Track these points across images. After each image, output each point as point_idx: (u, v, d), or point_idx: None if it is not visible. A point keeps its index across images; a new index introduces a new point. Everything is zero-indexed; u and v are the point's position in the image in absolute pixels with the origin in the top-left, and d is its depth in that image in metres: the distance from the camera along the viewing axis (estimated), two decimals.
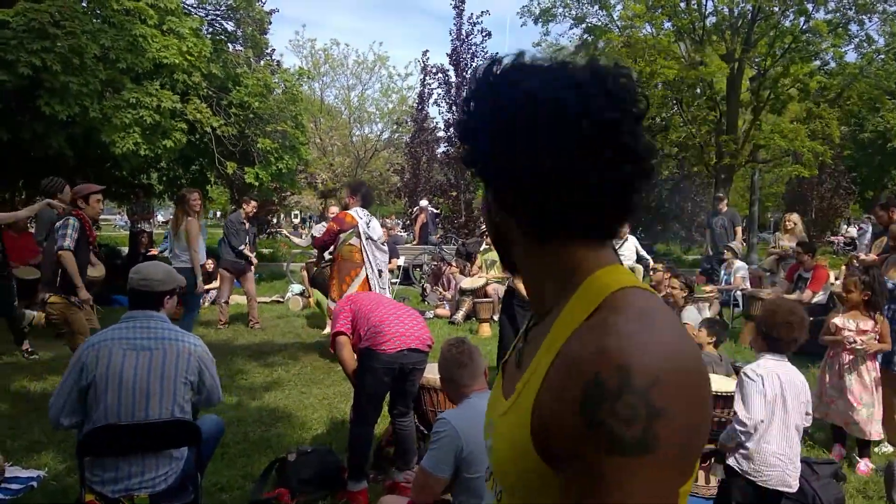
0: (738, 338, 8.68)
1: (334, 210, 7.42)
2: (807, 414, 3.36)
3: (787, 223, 9.97)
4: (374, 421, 4.10)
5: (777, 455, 3.21)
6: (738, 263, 10.13)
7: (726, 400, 4.10)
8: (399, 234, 19.45)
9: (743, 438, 3.23)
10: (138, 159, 10.71)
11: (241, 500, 3.90)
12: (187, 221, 7.67)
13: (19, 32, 8.40)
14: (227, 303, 9.68)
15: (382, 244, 7.49)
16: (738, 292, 9.74)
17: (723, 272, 10.33)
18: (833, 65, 18.28)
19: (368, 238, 7.18)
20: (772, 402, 3.24)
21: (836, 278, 8.63)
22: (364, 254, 7.17)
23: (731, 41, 17.83)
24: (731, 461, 3.31)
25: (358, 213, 7.25)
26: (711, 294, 9.55)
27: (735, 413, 3.27)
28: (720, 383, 4.28)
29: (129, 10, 10.34)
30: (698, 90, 19.08)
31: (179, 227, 7.68)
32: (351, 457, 4.01)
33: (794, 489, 3.26)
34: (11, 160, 10.07)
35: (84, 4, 10.27)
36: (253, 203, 10.04)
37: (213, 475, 4.13)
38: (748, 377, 3.29)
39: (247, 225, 9.70)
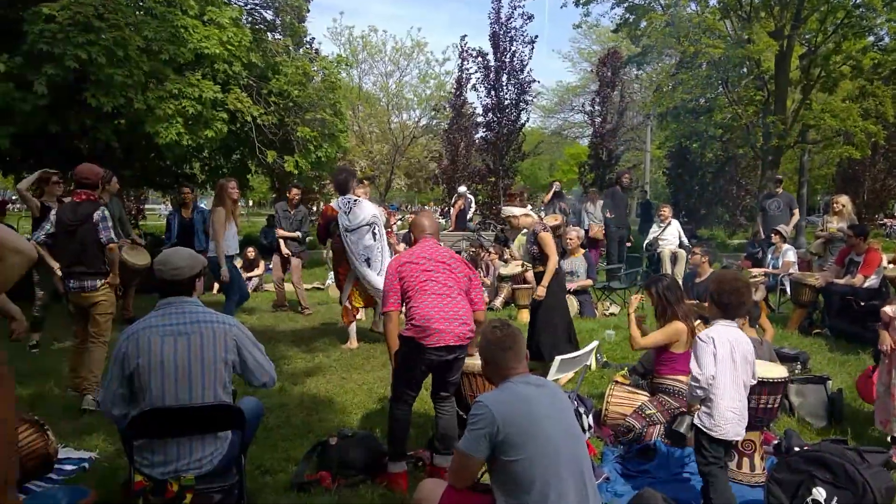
0: (786, 324, 8.52)
1: (359, 193, 7.56)
2: (753, 375, 3.75)
3: (835, 205, 9.73)
4: (411, 402, 4.14)
5: (731, 409, 3.56)
6: (787, 247, 9.94)
7: (772, 386, 4.06)
8: (437, 220, 19.47)
9: (699, 393, 3.59)
10: (181, 149, 10.92)
11: (283, 483, 3.98)
12: (215, 211, 7.78)
13: (65, 26, 8.61)
14: (283, 282, 10.27)
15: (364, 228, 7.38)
16: (786, 277, 9.56)
17: (770, 256, 10.15)
18: (888, 40, 17.69)
19: (346, 229, 7.26)
20: (723, 362, 3.61)
21: (890, 262, 8.42)
22: (345, 245, 7.27)
23: (780, 17, 17.33)
24: (696, 420, 3.63)
25: (339, 204, 7.35)
26: (757, 279, 9.39)
27: (691, 372, 3.64)
28: (765, 369, 4.20)
29: (171, 2, 10.53)
30: (745, 69, 18.64)
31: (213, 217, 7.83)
32: (389, 437, 4.09)
33: (742, 437, 3.69)
34: (61, 152, 10.35)
35: None
36: (295, 190, 10.36)
37: (256, 458, 4.23)
38: (701, 340, 3.68)
39: (292, 211, 9.97)
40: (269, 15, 14.77)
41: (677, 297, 4.84)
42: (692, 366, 3.69)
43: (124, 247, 7.86)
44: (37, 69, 8.73)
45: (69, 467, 4.21)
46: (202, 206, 10.70)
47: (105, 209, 5.40)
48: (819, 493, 3.38)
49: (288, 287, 10.43)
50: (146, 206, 27.47)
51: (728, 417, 3.56)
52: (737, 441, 3.79)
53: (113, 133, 9.96)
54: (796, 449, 4.06)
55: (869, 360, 6.33)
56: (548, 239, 6.27)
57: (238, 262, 12.14)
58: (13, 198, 23.42)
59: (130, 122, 9.93)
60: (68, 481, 4.01)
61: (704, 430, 3.58)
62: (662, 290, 4.85)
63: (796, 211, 11.68)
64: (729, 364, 3.64)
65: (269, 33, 14.30)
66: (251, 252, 12.28)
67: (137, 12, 10.08)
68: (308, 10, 15.55)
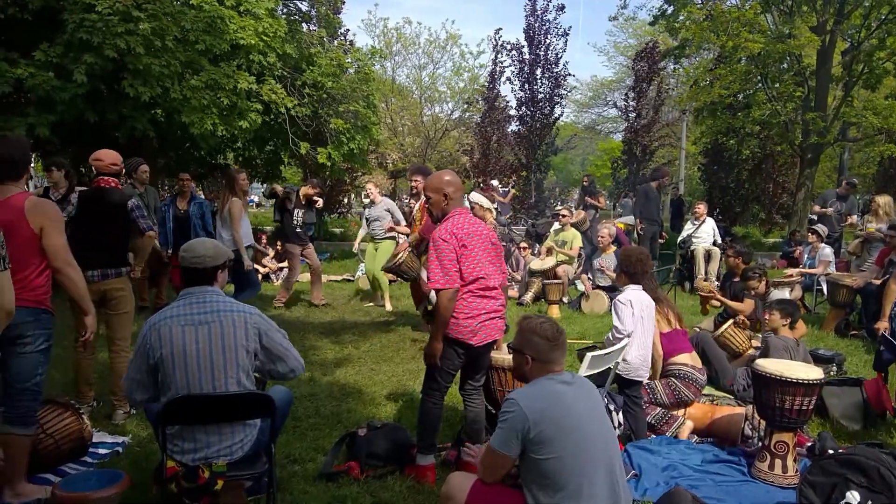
0: (822, 325, 8.39)
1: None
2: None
3: (874, 205, 9.57)
4: (444, 394, 4.13)
5: (640, 357, 4.58)
6: (824, 247, 9.78)
7: (807, 388, 4.01)
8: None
9: (621, 344, 4.48)
10: (215, 139, 11.05)
11: (312, 472, 4.02)
12: (231, 202, 7.83)
13: (104, 16, 8.74)
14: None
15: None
16: (823, 277, 9.41)
17: (806, 256, 9.99)
18: None
19: None
20: (637, 320, 4.59)
21: None
22: None
23: (822, 12, 16.96)
24: (618, 370, 4.48)
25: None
26: (793, 279, 9.26)
27: (614, 327, 4.54)
28: (799, 371, 4.16)
29: None
30: (785, 65, 18.32)
31: (224, 207, 7.87)
32: (419, 429, 4.09)
33: (646, 378, 4.73)
34: (99, 142, 10.50)
35: None
36: (308, 187, 9.96)
37: (285, 447, 4.28)
38: (621, 302, 4.66)
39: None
40: (304, 6, 14.88)
41: (638, 270, 4.84)
42: (615, 322, 4.63)
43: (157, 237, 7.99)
44: (76, 58, 8.88)
45: (103, 451, 4.30)
46: (201, 196, 9.76)
47: (137, 197, 5.30)
48: (853, 496, 3.35)
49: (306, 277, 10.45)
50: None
51: (638, 364, 4.57)
52: (770, 442, 4.10)
53: (149, 122, 10.09)
54: (830, 451, 4.00)
55: None
56: None
57: (270, 253, 12.31)
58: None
59: (166, 111, 10.05)
60: (102, 465, 4.10)
61: (623, 375, 4.55)
62: (623, 262, 4.93)
63: (852, 217, 11.49)
64: (639, 321, 4.61)
65: (304, 24, 14.39)
66: (280, 245, 12.39)
67: (175, 2, 10.19)
68: (343, 2, 15.65)
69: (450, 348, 3.93)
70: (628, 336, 4.48)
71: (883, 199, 9.55)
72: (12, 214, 3.42)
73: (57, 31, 9.22)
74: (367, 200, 9.62)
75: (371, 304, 9.75)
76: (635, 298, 4.65)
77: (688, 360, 4.97)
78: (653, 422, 4.81)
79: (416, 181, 7.54)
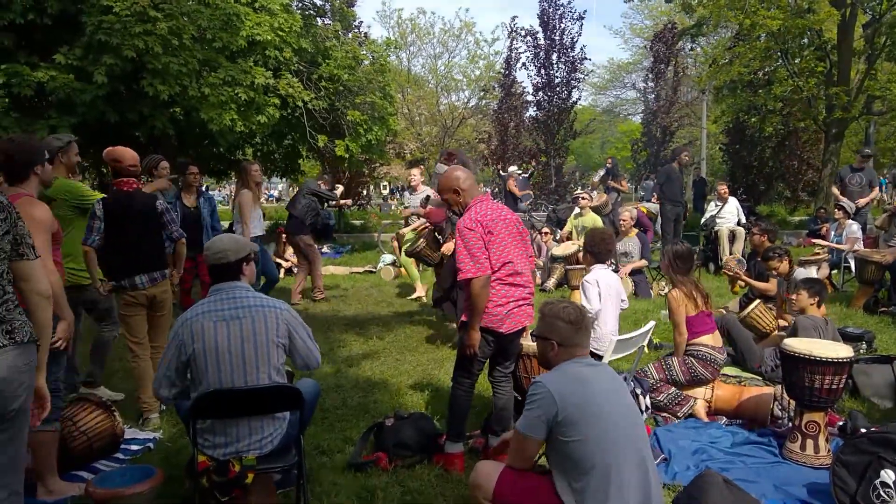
0: (851, 302, 8.28)
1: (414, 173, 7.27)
2: (622, 301, 5.22)
3: None
4: (474, 382, 4.13)
5: (611, 333, 4.89)
6: (851, 223, 9.63)
7: (836, 366, 3.96)
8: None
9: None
10: (234, 135, 11.09)
11: (341, 463, 4.04)
12: (241, 193, 7.81)
13: (122, 17, 8.79)
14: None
15: None
16: (851, 254, 9.27)
17: (833, 232, 9.85)
18: None
19: None
20: (605, 298, 4.99)
21: None
22: None
23: None
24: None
25: None
26: (819, 256, 9.14)
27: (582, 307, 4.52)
28: (828, 349, 4.11)
29: None
30: (805, 40, 18.03)
31: (236, 200, 7.87)
32: (449, 417, 4.10)
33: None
34: (120, 141, 10.58)
35: None
36: (321, 183, 9.93)
37: (313, 438, 4.31)
38: (588, 282, 5.07)
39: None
40: (318, 0, 14.85)
41: (681, 268, 5.04)
42: (583, 301, 4.98)
43: None
44: (96, 60, 8.95)
45: (135, 447, 4.35)
46: (211, 192, 9.23)
47: (163, 199, 5.21)
48: (888, 474, 3.30)
49: (333, 269, 10.40)
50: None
51: (610, 340, 4.72)
52: (800, 423, 4.11)
53: (168, 121, 10.15)
54: (862, 430, 3.95)
55: None
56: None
57: (291, 249, 12.36)
58: None
59: (185, 109, 10.10)
60: (135, 461, 4.14)
61: (593, 350, 4.59)
62: (672, 258, 5.10)
63: (876, 188, 11.32)
64: (607, 299, 5.01)
65: (318, 18, 14.39)
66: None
67: (191, 1, 10.22)
68: None
69: (488, 339, 3.94)
70: (596, 314, 4.90)
71: None
72: None
73: (76, 34, 9.29)
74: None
75: (415, 296, 9.54)
76: (601, 277, 5.09)
77: (709, 340, 4.93)
78: (665, 401, 4.78)
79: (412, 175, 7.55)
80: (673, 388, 4.83)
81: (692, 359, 4.88)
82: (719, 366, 4.94)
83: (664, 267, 5.21)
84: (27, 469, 3.60)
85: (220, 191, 34.08)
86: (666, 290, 9.67)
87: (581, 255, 9.74)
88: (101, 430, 4.03)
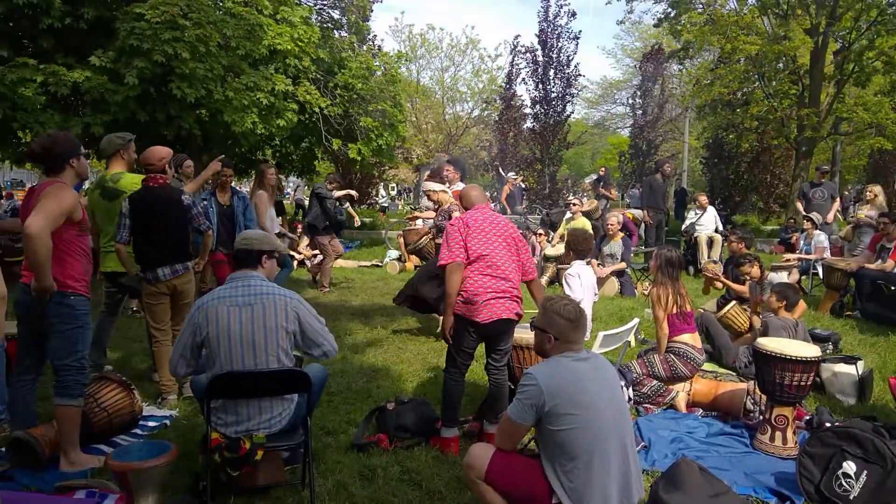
0: (819, 306, 8.22)
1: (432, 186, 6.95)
2: (595, 294, 6.01)
3: (868, 194, 9.43)
4: (464, 371, 4.08)
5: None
6: (819, 233, 9.59)
7: (805, 365, 3.91)
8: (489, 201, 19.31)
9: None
10: (255, 137, 11.05)
11: (345, 443, 3.99)
12: (257, 195, 7.73)
13: (153, 24, 8.73)
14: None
15: None
16: (819, 262, 9.23)
17: (803, 242, 9.80)
18: None
19: None
20: (584, 288, 5.61)
21: None
22: None
23: (815, 15, 16.66)
24: None
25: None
26: (790, 263, 9.10)
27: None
28: (799, 349, 4.06)
29: (248, 2, 10.60)
30: (781, 64, 17.99)
31: (253, 198, 7.77)
32: (443, 405, 4.05)
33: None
34: (149, 139, 10.54)
35: None
36: (328, 184, 9.81)
37: (319, 420, 4.25)
38: (571, 275, 5.75)
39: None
40: (336, 14, 14.85)
41: (669, 273, 4.95)
42: (567, 291, 5.56)
43: None
44: (127, 63, 8.89)
45: (152, 424, 4.30)
46: (242, 190, 9.11)
47: (189, 194, 5.02)
48: (849, 466, 3.31)
49: (342, 263, 10.33)
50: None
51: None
52: (770, 416, 4.06)
53: (195, 122, 10.10)
54: (827, 424, 3.92)
55: None
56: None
57: (304, 241, 12.32)
58: None
59: (210, 111, 10.06)
60: (152, 437, 4.08)
61: None
62: (664, 262, 4.98)
63: (837, 200, 11.30)
64: (586, 290, 5.63)
65: (335, 31, 14.36)
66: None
67: (218, 11, 10.17)
68: (372, 10, 15.55)
69: (461, 327, 3.92)
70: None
71: (877, 188, 9.46)
72: (35, 201, 3.41)
73: (110, 38, 9.23)
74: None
75: None
76: (582, 271, 5.81)
77: (689, 339, 4.86)
78: (648, 392, 4.73)
79: (448, 170, 7.37)
80: (655, 382, 4.77)
81: (673, 356, 4.80)
82: (698, 364, 4.87)
83: (653, 267, 5.12)
84: (51, 442, 3.56)
85: (240, 188, 34.02)
86: (649, 289, 9.64)
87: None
88: (120, 408, 3.97)
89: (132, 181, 4.84)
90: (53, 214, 3.32)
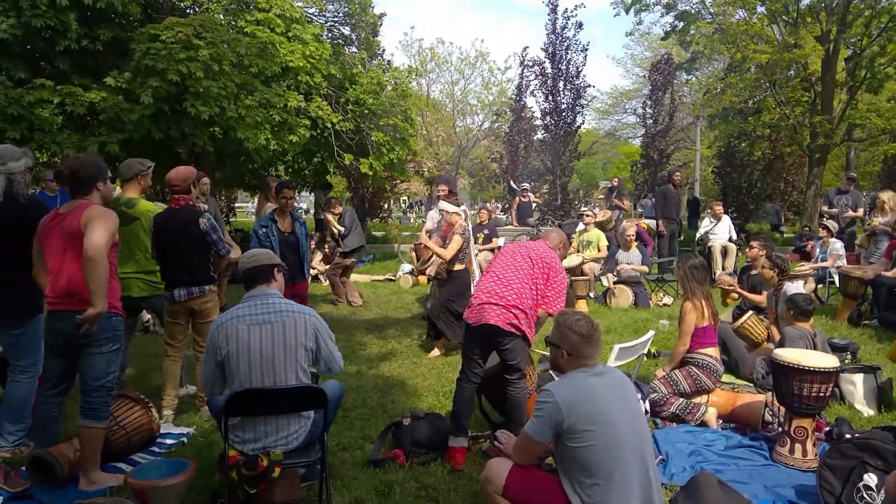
0: (835, 315, 8.14)
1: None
2: None
3: (880, 201, 9.35)
4: (474, 379, 4.07)
5: None
6: (834, 241, 9.51)
7: (823, 375, 3.87)
8: (499, 216, 19.35)
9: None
10: (268, 153, 11.13)
11: (360, 459, 3.98)
12: (265, 206, 7.76)
13: (168, 44, 8.83)
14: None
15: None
16: (834, 270, 9.15)
17: (818, 250, 9.73)
18: None
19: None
20: None
21: None
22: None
23: (826, 22, 16.58)
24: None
25: (463, 210, 6.94)
26: (805, 271, 9.02)
27: None
28: (815, 359, 4.02)
29: (260, 21, 10.71)
30: (792, 72, 17.91)
31: (260, 213, 7.81)
32: (452, 412, 4.07)
33: None
34: (163, 157, 10.65)
35: (221, 17, 10.71)
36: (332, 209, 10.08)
37: (335, 436, 4.25)
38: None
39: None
40: (346, 31, 14.97)
41: (697, 278, 4.85)
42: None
43: None
44: (143, 83, 8.99)
45: (170, 441, 4.31)
46: (302, 211, 8.25)
47: (210, 217, 4.84)
48: (871, 478, 3.26)
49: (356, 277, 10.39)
50: (236, 205, 28.11)
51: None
52: (790, 428, 4.00)
53: (209, 139, 10.19)
54: (847, 436, 3.87)
55: None
56: (455, 243, 6.44)
57: (318, 256, 12.36)
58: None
59: (224, 128, 10.14)
60: (169, 454, 4.10)
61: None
62: (689, 269, 4.90)
63: (859, 210, 11.23)
64: None
65: (346, 47, 14.47)
66: (328, 247, 12.41)
67: (231, 31, 10.28)
68: (381, 25, 15.67)
69: (465, 332, 4.11)
70: None
71: (887, 195, 9.39)
72: (76, 222, 3.45)
73: (125, 59, 9.34)
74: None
75: None
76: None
77: (713, 352, 4.81)
78: (677, 412, 4.65)
79: (441, 190, 7.34)
80: (682, 399, 4.69)
81: (695, 368, 4.74)
82: (719, 376, 4.83)
83: (680, 278, 5.00)
84: (71, 460, 3.58)
85: (252, 203, 34.22)
86: (664, 300, 9.59)
87: (585, 266, 9.72)
88: (139, 426, 4.00)
89: (147, 208, 4.88)
90: (107, 238, 3.39)
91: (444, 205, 6.69)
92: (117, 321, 3.61)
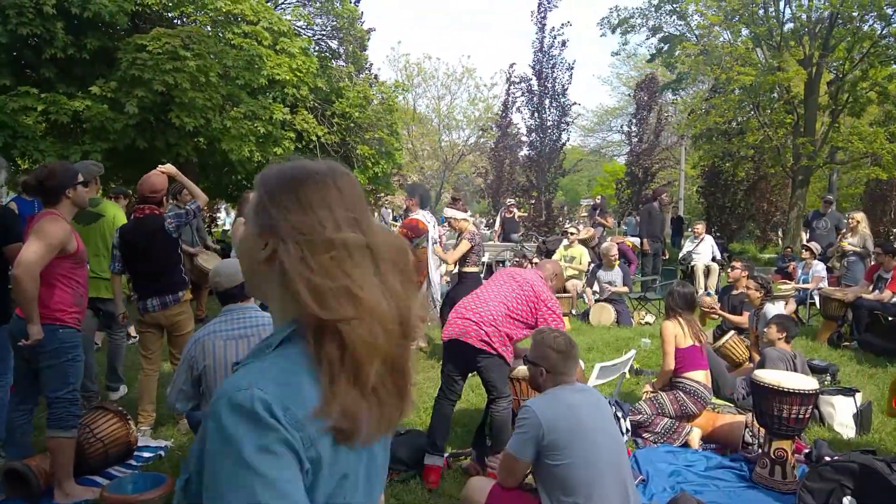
0: (816, 336, 8.24)
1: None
2: None
3: (850, 221, 9.50)
4: (452, 397, 4.09)
5: None
6: (816, 263, 9.65)
7: (803, 397, 3.92)
8: (483, 231, 19.39)
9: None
10: (252, 165, 11.11)
11: None
12: (237, 221, 7.73)
13: (154, 55, 8.82)
14: None
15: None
16: (815, 292, 9.27)
17: (800, 271, 9.85)
18: None
19: (433, 241, 6.99)
20: None
21: None
22: (429, 255, 6.95)
23: (809, 46, 16.90)
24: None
25: (426, 217, 7.02)
26: (788, 292, 9.12)
27: None
28: (796, 381, 4.06)
29: (248, 34, 10.73)
30: (775, 94, 18.21)
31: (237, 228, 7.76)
32: (429, 429, 4.08)
33: None
34: (147, 167, 10.57)
35: (209, 29, 10.71)
36: None
37: None
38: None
39: None
40: (334, 44, 15.00)
41: (679, 304, 4.92)
42: None
43: (200, 253, 7.97)
44: (128, 92, 8.96)
45: (147, 454, 4.28)
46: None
47: (173, 214, 4.78)
48: (849, 501, 3.28)
49: None
50: (219, 216, 27.92)
51: None
52: (769, 449, 4.02)
53: (192, 149, 10.17)
54: (826, 458, 3.91)
55: None
56: (463, 246, 6.53)
57: None
58: None
59: (208, 139, 10.13)
60: (146, 468, 4.06)
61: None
62: (677, 295, 4.98)
63: (842, 232, 11.39)
64: None
65: (333, 60, 14.50)
66: None
67: (219, 43, 10.29)
68: (369, 39, 15.74)
69: (444, 349, 4.14)
70: None
71: (860, 215, 9.56)
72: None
73: (112, 68, 9.32)
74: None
75: None
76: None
77: (701, 377, 4.77)
78: (661, 432, 4.67)
79: (410, 202, 7.38)
80: (666, 419, 4.71)
81: (682, 393, 4.74)
82: (706, 402, 4.83)
83: (668, 302, 5.06)
84: (46, 473, 3.54)
85: (230, 216, 33.98)
86: (646, 318, 9.65)
87: (568, 283, 9.77)
88: (116, 438, 3.96)
89: (114, 206, 4.92)
90: (40, 254, 3.33)
91: (450, 212, 6.77)
92: (66, 333, 3.53)
